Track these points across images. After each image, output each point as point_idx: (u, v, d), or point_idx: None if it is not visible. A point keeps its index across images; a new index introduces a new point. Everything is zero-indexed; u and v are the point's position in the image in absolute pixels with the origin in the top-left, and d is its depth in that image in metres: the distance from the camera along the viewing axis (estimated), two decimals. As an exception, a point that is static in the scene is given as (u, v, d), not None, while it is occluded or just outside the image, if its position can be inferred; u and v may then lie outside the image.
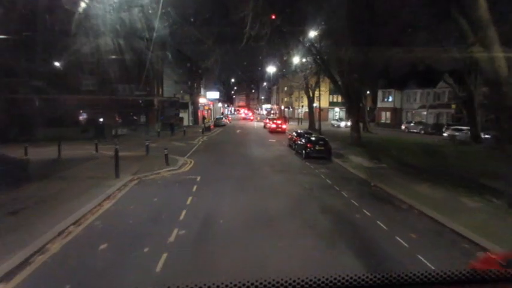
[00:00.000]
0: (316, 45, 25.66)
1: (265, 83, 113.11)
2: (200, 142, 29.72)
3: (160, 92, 42.10)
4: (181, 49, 31.50)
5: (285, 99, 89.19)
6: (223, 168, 17.74)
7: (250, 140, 33.25)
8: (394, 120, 52.95)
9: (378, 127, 49.81)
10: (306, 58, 30.92)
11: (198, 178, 15.14)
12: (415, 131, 43.37)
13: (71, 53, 30.68)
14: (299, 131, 27.68)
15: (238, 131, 44.18)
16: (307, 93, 44.20)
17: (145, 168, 17.09)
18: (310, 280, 1.84)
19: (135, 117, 35.79)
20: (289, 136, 28.26)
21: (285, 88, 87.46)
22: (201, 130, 38.51)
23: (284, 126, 40.15)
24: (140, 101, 32.21)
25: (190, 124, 50.95)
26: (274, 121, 42.52)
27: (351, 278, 1.86)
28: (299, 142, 23.42)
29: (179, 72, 48.89)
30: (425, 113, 49.27)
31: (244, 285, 1.79)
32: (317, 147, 21.17)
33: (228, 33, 22.20)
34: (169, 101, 44.75)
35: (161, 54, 34.83)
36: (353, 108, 26.28)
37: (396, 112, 53.60)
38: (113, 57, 32.36)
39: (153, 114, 35.98)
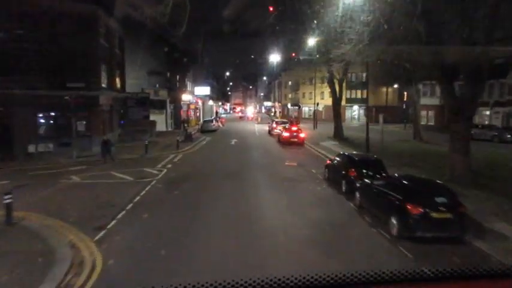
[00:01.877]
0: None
1: (264, 77, 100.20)
2: (164, 171, 16.47)
3: (119, 85, 28.85)
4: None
5: (289, 95, 75.90)
6: None
7: (254, 164, 19.91)
8: (440, 121, 39.92)
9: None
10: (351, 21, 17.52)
11: None
12: (484, 138, 30.42)
13: None
14: (347, 153, 14.66)
15: (233, 141, 30.27)
16: (331, 85, 31.14)
17: None
18: (304, 278, 1.79)
19: (78, 124, 22.36)
20: (328, 162, 15.20)
21: (289, 82, 74.23)
22: (176, 141, 25.02)
23: (302, 135, 26.74)
24: (67, 97, 18.94)
25: (169, 129, 37.61)
26: (287, 127, 28.78)
27: (344, 275, 1.82)
28: (369, 188, 10.38)
29: (154, 59, 35.69)
30: (487, 112, 36.34)
31: (241, 284, 1.71)
32: (435, 215, 8.10)
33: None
34: (135, 99, 31.52)
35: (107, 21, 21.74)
36: (466, 109, 12.93)
37: (443, 111, 40.47)
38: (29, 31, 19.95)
39: (99, 118, 22.74)
